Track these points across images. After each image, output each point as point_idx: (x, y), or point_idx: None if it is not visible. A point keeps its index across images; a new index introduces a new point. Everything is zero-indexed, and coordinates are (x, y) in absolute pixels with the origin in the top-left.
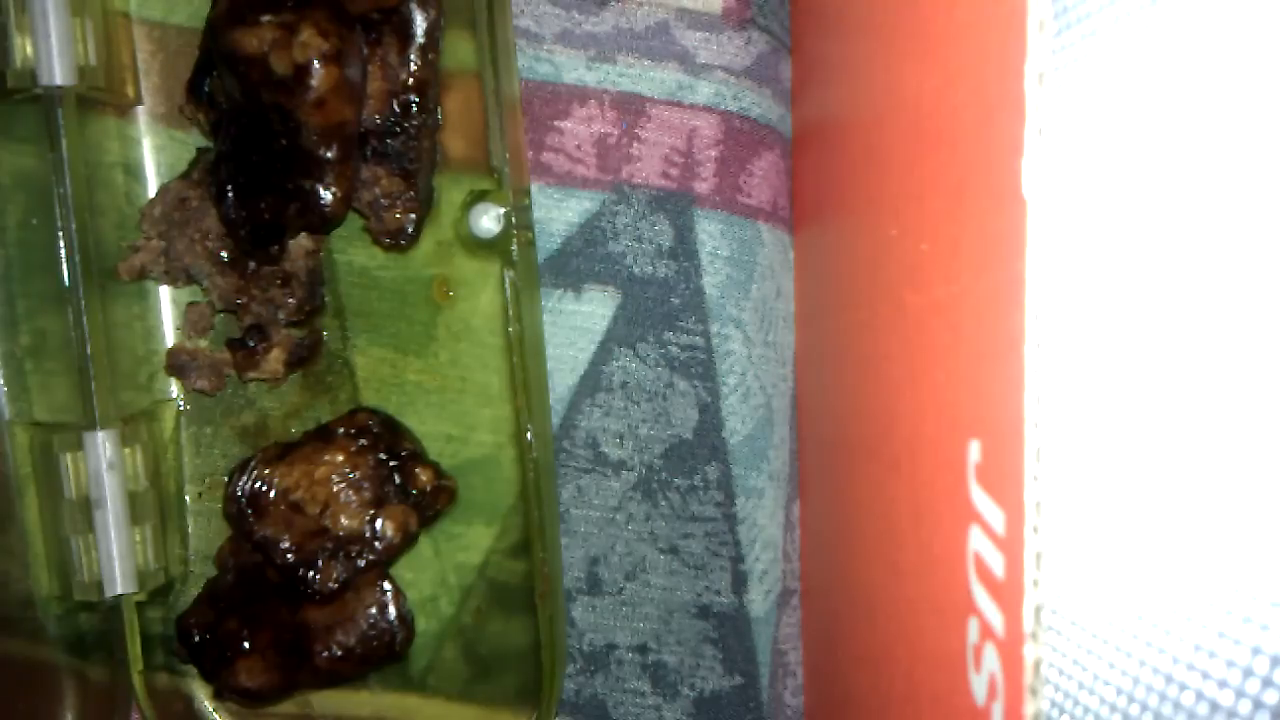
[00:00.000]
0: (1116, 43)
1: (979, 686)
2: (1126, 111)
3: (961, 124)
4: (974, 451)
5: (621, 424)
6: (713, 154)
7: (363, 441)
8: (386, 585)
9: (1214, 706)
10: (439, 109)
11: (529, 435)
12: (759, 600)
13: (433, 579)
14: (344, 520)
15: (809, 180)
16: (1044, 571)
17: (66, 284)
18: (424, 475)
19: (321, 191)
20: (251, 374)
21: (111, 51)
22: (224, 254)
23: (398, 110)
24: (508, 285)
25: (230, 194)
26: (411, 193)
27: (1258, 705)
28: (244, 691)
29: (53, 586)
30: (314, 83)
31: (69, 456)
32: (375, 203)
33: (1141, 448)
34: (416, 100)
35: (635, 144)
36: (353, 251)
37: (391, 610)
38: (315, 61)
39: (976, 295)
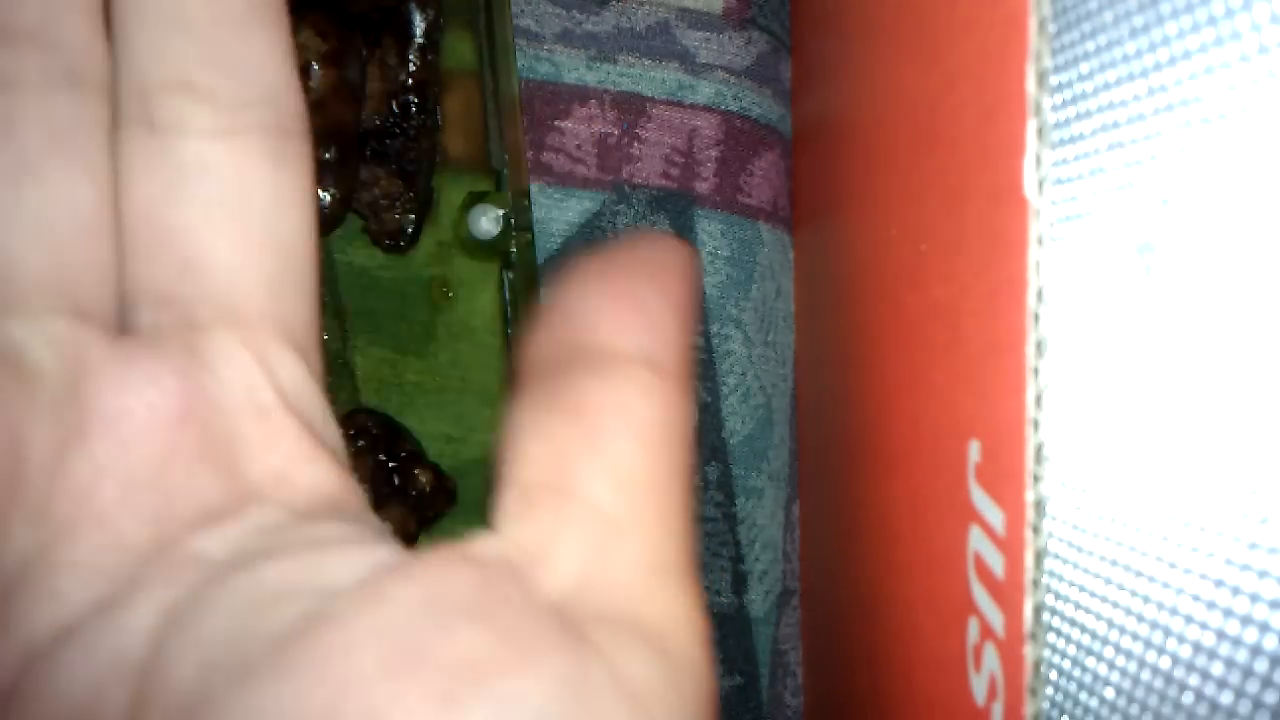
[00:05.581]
0: (1116, 43)
1: (979, 687)
2: (1126, 111)
3: (961, 124)
4: (974, 451)
5: None
6: (713, 154)
7: (361, 443)
8: None
9: (1214, 706)
10: (438, 109)
11: None
12: (759, 600)
13: None
14: None
15: (809, 180)
16: (1044, 571)
17: None
18: (423, 476)
19: (320, 193)
20: None
21: None
22: None
23: (397, 111)
24: (507, 286)
25: None
26: (411, 193)
27: (1258, 705)
28: None
29: None
30: (312, 84)
31: None
32: (374, 203)
33: (1142, 447)
34: (416, 101)
35: (636, 144)
36: (352, 252)
37: None
38: (313, 63)
39: (976, 295)
